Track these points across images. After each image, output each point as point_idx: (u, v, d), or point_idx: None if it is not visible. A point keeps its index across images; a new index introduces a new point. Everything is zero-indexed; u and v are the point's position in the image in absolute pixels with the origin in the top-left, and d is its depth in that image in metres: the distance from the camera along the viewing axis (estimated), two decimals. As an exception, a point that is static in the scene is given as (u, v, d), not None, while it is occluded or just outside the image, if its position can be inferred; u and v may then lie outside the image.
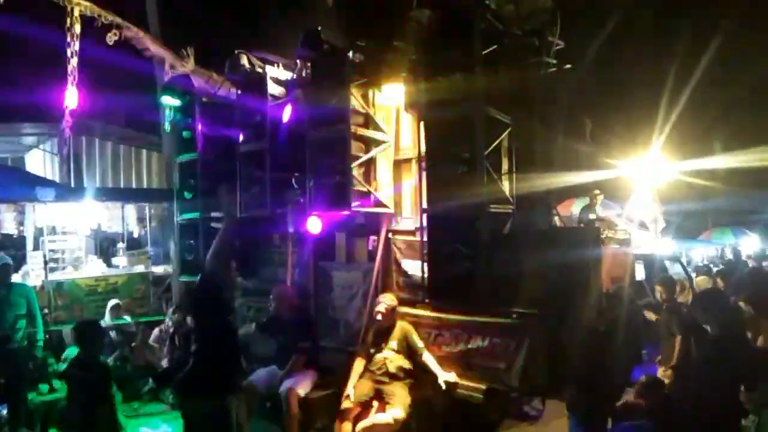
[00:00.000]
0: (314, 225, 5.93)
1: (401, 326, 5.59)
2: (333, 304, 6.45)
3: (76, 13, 6.38)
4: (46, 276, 9.05)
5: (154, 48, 6.94)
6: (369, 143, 5.60)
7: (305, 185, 5.91)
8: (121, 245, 10.68)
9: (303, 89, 5.65)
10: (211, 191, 6.90)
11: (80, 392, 4.26)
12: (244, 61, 6.09)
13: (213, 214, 7.21)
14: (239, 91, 6.43)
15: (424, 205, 4.82)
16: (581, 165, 6.14)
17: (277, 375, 5.74)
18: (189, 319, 8.38)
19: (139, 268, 10.13)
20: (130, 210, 11.02)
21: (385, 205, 5.81)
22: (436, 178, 4.58)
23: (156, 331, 8.27)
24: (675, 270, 11.43)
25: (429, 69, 4.49)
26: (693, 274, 10.24)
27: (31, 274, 9.31)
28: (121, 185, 13.51)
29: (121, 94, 12.30)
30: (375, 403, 5.41)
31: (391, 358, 5.47)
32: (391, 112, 5.87)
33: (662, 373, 6.39)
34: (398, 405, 5.23)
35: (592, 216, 10.08)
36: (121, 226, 10.86)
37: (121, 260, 10.36)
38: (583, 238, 5.46)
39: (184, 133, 7.10)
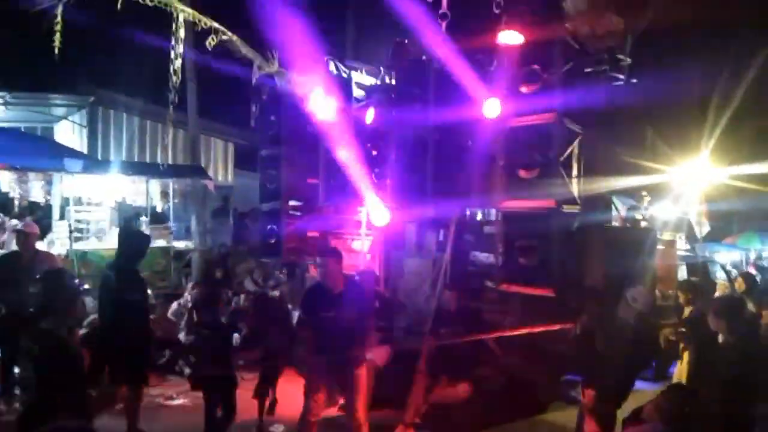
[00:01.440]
0: (387, 217, 6.61)
1: (469, 310, 6.22)
2: (403, 289, 7.11)
3: (181, 18, 7.08)
4: (71, 245, 9.25)
5: (245, 50, 7.62)
6: (445, 143, 6.20)
7: (385, 179, 6.56)
8: (144, 219, 10.78)
9: (389, 94, 6.26)
10: (292, 182, 7.57)
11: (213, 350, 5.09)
12: (332, 67, 6.75)
13: (291, 203, 7.88)
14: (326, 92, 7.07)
15: (501, 203, 5.40)
16: (637, 169, 6.64)
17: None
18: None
19: (161, 243, 10.30)
20: (155, 185, 11.17)
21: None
22: (513, 179, 5.16)
23: (174, 304, 8.40)
24: (715, 273, 11.79)
25: (512, 82, 5.07)
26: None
27: (57, 243, 9.45)
28: (147, 160, 13.67)
29: (144, 68, 11.91)
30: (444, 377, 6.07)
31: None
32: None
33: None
34: (468, 379, 5.88)
35: (638, 216, 10.53)
36: (145, 200, 10.97)
37: None
38: (641, 239, 6.02)
39: (269, 130, 7.78)
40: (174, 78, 7.20)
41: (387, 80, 6.53)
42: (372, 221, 6.85)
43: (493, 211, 6.27)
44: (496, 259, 5.64)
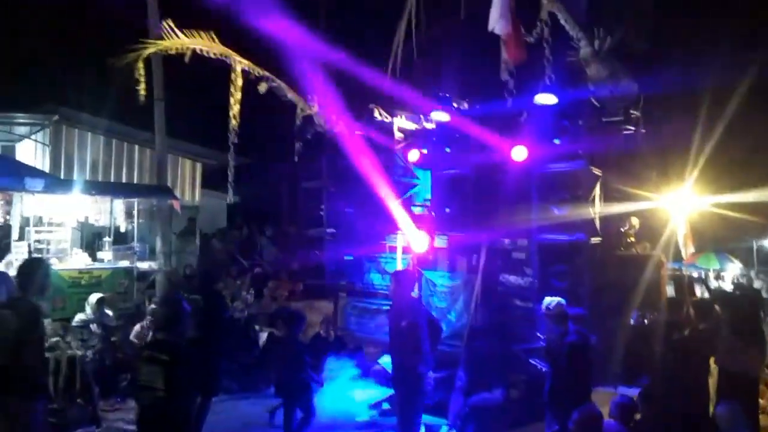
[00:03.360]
0: (433, 242, 7.58)
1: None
2: (435, 306, 8.04)
3: (239, 69, 7.99)
4: None
5: (290, 95, 8.55)
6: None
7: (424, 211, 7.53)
8: (107, 239, 10.57)
9: (430, 138, 7.26)
10: (335, 211, 8.47)
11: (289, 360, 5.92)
12: (377, 113, 7.72)
13: (329, 230, 8.77)
14: (368, 134, 8.04)
15: (533, 233, 6.40)
16: (638, 199, 7.70)
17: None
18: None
19: (125, 263, 10.12)
20: (119, 204, 10.80)
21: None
22: (545, 214, 6.17)
23: (137, 327, 8.35)
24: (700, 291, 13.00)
25: (545, 134, 6.10)
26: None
27: (15, 264, 9.00)
28: (112, 179, 13.20)
29: (109, 86, 11.62)
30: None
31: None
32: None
33: None
34: (502, 385, 6.81)
35: (630, 240, 11.67)
36: (109, 219, 10.63)
37: (106, 254, 10.33)
38: (645, 264, 7.10)
39: (311, 164, 8.70)
40: (233, 122, 8.05)
41: (425, 125, 7.51)
42: (411, 247, 7.79)
43: (521, 240, 7.25)
44: (532, 281, 6.62)
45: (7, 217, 9.82)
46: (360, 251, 8.96)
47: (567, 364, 5.28)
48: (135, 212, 10.97)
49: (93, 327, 7.90)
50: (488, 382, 6.94)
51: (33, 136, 12.68)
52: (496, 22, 4.54)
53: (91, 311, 7.99)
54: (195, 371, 4.87)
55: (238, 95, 8.01)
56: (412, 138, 7.59)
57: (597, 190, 6.15)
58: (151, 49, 7.13)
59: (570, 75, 5.86)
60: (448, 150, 6.94)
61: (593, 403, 5.07)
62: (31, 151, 12.60)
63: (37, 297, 5.70)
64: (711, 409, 5.19)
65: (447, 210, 7.00)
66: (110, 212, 10.56)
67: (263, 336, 8.46)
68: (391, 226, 8.07)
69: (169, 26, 7.11)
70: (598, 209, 6.13)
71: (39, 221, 9.81)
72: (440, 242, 7.93)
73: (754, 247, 22.14)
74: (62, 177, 12.09)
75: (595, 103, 5.99)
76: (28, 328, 5.53)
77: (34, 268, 5.78)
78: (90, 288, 8.93)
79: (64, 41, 14.60)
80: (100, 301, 8.05)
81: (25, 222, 9.59)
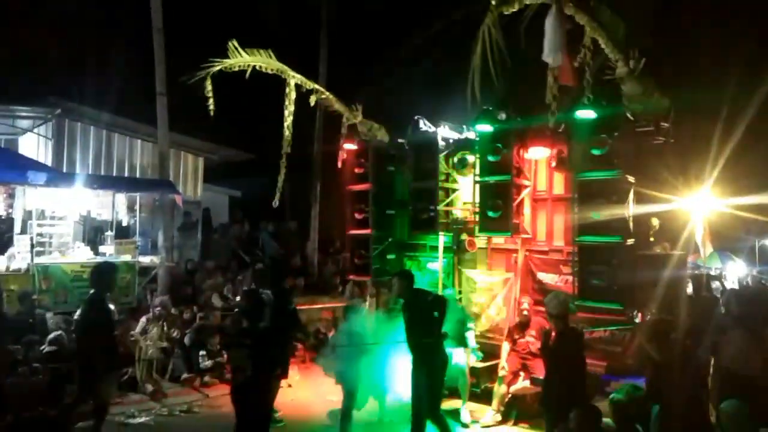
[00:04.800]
0: (472, 243, 8.21)
1: (537, 320, 7.78)
2: (475, 302, 8.67)
3: (293, 83, 8.62)
4: (32, 259, 9.14)
5: (337, 105, 9.19)
6: (519, 187, 7.83)
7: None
8: (109, 233, 10.62)
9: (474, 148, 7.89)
10: (380, 214, 9.10)
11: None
12: (421, 124, 8.36)
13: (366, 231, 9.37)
14: (412, 142, 8.68)
15: (574, 236, 7.02)
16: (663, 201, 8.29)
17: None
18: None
19: (126, 257, 10.20)
20: (121, 198, 10.92)
21: (526, 231, 8.03)
22: (584, 218, 6.79)
23: (143, 319, 8.47)
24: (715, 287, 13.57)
25: (585, 145, 6.72)
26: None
27: (17, 257, 9.41)
28: (114, 173, 13.36)
29: (111, 80, 12.69)
30: (522, 374, 7.63)
31: (532, 341, 7.67)
32: (530, 165, 8.13)
33: None
34: (541, 374, 7.43)
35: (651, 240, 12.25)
36: (111, 213, 10.74)
37: (108, 248, 10.42)
38: (671, 262, 7.70)
39: (356, 171, 9.35)
40: (287, 132, 8.66)
41: (468, 135, 8.13)
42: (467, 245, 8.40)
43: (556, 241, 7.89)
44: (569, 280, 7.25)
45: (10, 210, 10.06)
46: (402, 250, 9.61)
47: (561, 362, 5.77)
48: (137, 206, 11.25)
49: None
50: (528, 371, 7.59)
51: (35, 130, 12.82)
52: (550, 53, 5.12)
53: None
54: (273, 354, 5.62)
55: (292, 107, 8.62)
56: (455, 146, 8.20)
57: (630, 196, 6.75)
58: (217, 67, 7.75)
59: (607, 92, 6.47)
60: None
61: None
62: (34, 145, 12.79)
63: (106, 293, 6.51)
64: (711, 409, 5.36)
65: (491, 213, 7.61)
66: (112, 206, 10.78)
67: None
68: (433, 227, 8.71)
69: (234, 46, 7.71)
70: (631, 213, 6.73)
71: (41, 215, 9.99)
72: (481, 242, 8.58)
73: (756, 246, 22.71)
74: (64, 170, 12.20)
75: (630, 116, 6.59)
76: (102, 318, 6.42)
77: (104, 270, 6.59)
78: (92, 282, 9.31)
79: (66, 34, 14.89)
80: None
81: (27, 215, 9.75)
